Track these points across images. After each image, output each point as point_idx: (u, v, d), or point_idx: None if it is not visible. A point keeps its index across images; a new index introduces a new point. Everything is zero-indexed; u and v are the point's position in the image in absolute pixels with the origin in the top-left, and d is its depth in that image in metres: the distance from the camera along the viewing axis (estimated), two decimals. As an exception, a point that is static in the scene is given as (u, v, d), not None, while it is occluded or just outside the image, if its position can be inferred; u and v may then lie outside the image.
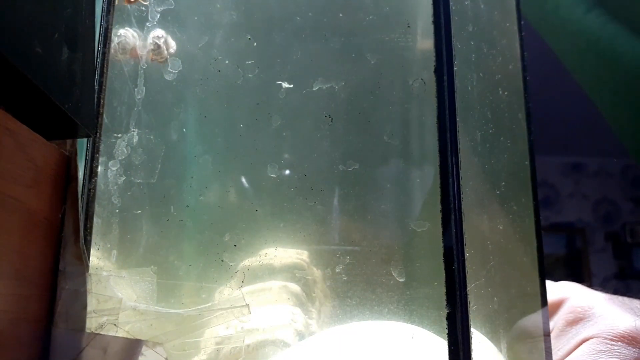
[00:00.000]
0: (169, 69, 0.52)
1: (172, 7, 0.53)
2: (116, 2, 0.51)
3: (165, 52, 0.51)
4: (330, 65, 0.54)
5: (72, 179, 0.45)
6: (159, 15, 0.52)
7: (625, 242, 3.30)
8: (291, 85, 0.52)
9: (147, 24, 0.52)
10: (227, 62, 0.52)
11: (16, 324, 0.38)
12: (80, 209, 0.45)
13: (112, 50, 0.51)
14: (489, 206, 0.59)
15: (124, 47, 0.51)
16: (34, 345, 0.41)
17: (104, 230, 0.49)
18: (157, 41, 0.51)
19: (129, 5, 0.52)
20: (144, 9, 0.52)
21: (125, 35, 0.51)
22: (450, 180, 0.48)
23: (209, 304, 0.48)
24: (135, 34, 0.52)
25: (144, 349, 0.43)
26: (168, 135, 0.52)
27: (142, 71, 0.52)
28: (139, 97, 0.51)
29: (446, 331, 0.45)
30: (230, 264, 0.49)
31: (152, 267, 0.48)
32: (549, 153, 3.20)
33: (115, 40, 0.51)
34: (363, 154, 0.53)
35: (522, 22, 0.64)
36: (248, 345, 0.48)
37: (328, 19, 0.55)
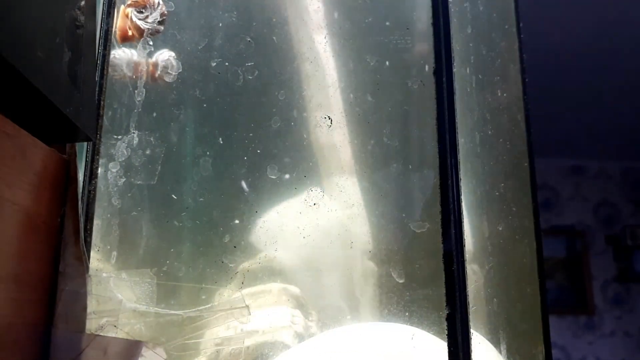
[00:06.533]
0: (169, 71, 0.52)
1: (172, 9, 0.53)
2: (112, 40, 0.51)
3: (175, 73, 0.51)
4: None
5: (72, 180, 0.45)
6: (152, 42, 0.52)
7: (626, 244, 3.29)
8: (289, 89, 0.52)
9: (146, 26, 0.52)
10: (226, 64, 0.53)
11: (14, 327, 0.38)
12: (80, 210, 0.45)
13: (110, 72, 0.51)
14: (488, 208, 0.59)
15: (121, 66, 0.51)
16: (32, 348, 0.41)
17: (104, 231, 0.49)
18: (172, 60, 0.51)
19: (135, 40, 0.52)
20: (136, 44, 0.52)
21: (114, 54, 0.51)
22: (450, 181, 0.48)
23: (209, 306, 0.48)
24: (125, 50, 0.52)
25: (143, 350, 0.43)
26: (168, 137, 0.52)
27: (142, 73, 0.52)
28: (139, 99, 0.51)
29: (446, 332, 0.45)
30: (230, 265, 0.49)
31: (152, 268, 0.48)
32: (549, 155, 3.20)
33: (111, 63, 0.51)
34: (363, 156, 0.53)
35: (521, 24, 0.64)
36: (248, 347, 0.48)
37: (328, 20, 0.55)
